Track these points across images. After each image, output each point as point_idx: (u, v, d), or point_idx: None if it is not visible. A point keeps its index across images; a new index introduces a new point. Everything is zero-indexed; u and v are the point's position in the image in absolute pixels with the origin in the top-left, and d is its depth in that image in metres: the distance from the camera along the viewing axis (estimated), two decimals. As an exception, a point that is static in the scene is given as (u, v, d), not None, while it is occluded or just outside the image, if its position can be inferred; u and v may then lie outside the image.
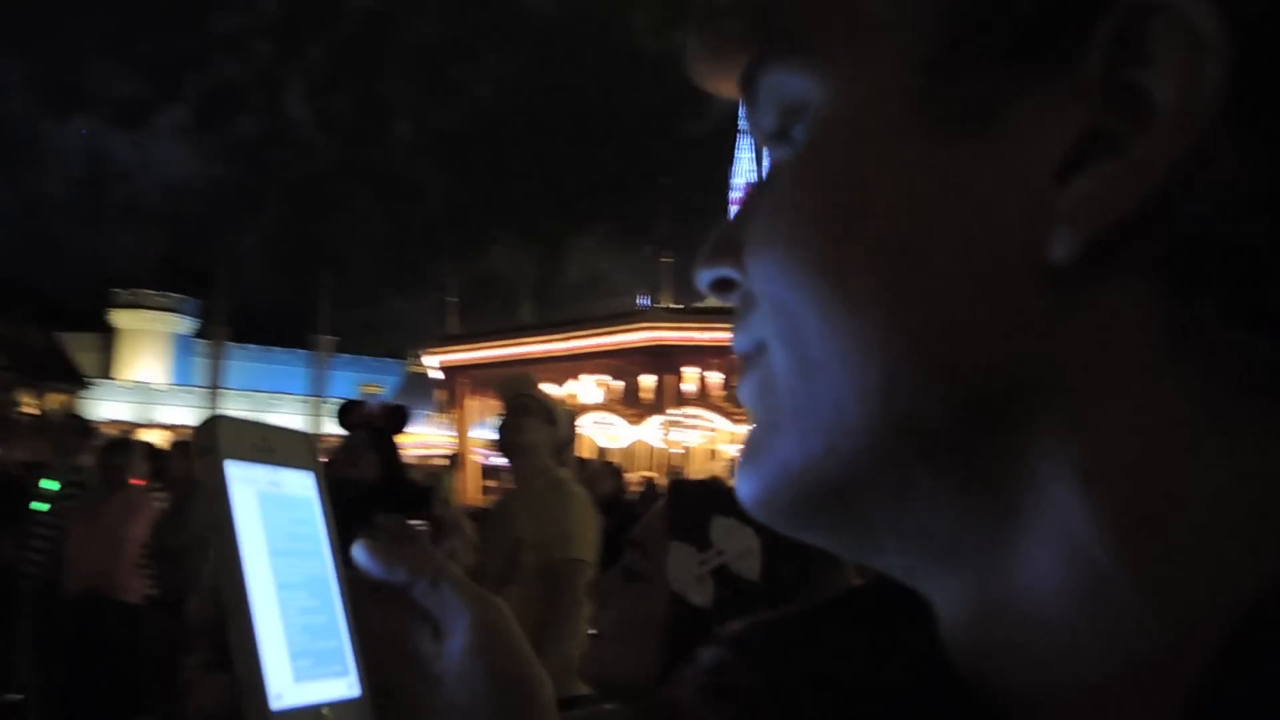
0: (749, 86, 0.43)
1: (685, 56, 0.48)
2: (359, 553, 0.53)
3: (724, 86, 0.47)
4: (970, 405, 0.35)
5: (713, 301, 0.53)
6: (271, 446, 0.51)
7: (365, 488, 4.07)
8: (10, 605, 5.18)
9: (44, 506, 5.38)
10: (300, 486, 0.52)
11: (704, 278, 0.45)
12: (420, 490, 4.33)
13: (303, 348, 51.57)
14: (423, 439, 31.83)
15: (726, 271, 0.43)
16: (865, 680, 0.40)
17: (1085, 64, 0.33)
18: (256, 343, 60.91)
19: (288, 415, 49.33)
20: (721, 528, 1.12)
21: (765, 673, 0.43)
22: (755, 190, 0.43)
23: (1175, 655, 0.30)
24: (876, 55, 0.37)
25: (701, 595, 1.10)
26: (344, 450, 4.18)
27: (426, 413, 33.24)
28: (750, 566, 1.11)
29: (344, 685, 0.49)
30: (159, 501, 5.69)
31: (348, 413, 4.24)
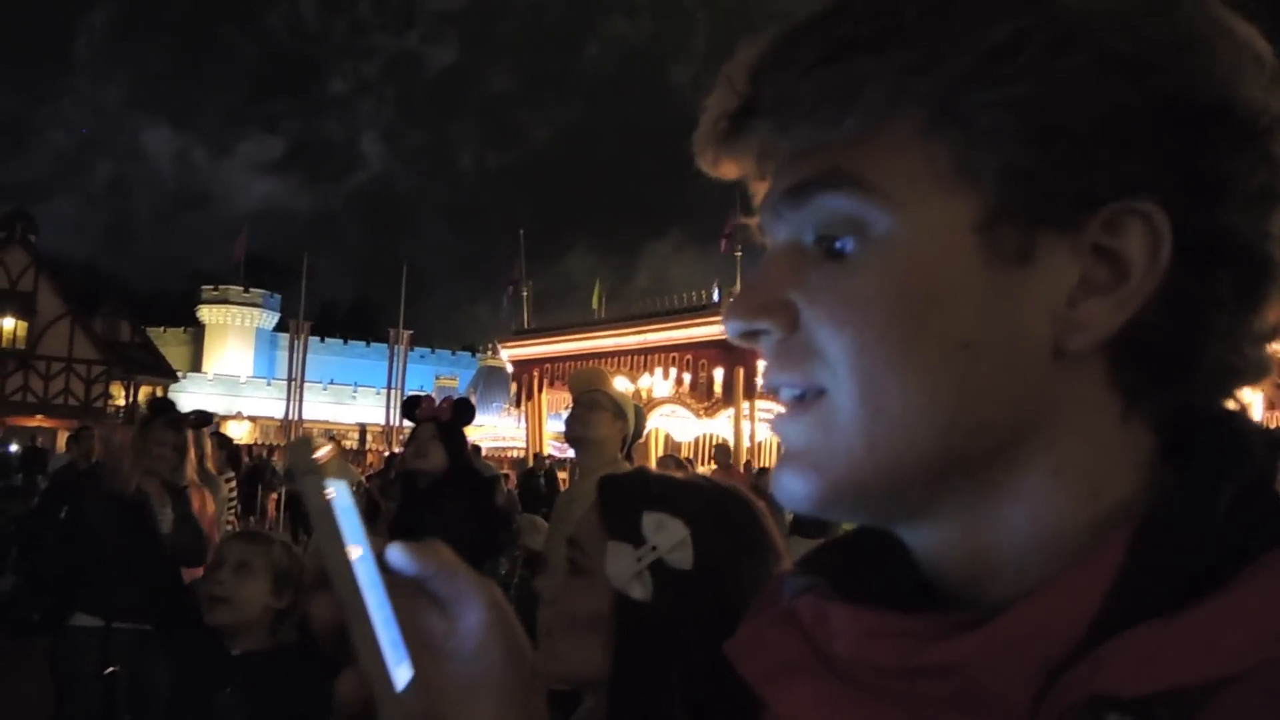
0: (798, 197, 0.56)
1: (703, 149, 0.61)
2: (395, 554, 0.59)
3: (727, 172, 0.62)
4: (996, 438, 0.53)
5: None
6: (326, 461, 0.57)
7: (433, 478, 4.18)
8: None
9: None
10: (345, 495, 0.57)
11: (740, 328, 0.59)
12: (485, 481, 4.42)
13: (381, 342, 52.41)
14: (495, 432, 32.13)
15: (764, 325, 0.57)
16: (883, 583, 0.59)
17: (1085, 234, 0.52)
18: (337, 337, 61.96)
19: (366, 407, 50.11)
20: (652, 522, 1.17)
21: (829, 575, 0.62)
22: (785, 267, 0.57)
23: (1099, 557, 0.50)
24: (943, 206, 0.53)
25: (641, 590, 1.14)
26: (412, 443, 4.30)
27: (501, 406, 33.55)
28: (683, 557, 1.16)
29: (407, 668, 0.54)
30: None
31: (414, 407, 4.36)
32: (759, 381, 18.28)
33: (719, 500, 1.23)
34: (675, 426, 19.85)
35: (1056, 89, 0.51)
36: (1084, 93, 0.51)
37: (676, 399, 19.50)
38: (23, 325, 42.54)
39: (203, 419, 5.19)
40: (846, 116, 0.53)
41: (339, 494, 0.56)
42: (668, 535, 1.15)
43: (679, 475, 1.32)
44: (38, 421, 39.43)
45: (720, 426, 19.11)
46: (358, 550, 0.55)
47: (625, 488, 1.24)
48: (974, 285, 0.52)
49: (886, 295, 0.53)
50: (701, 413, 18.93)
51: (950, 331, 0.52)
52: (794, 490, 0.57)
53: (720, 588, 1.14)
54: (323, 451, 0.57)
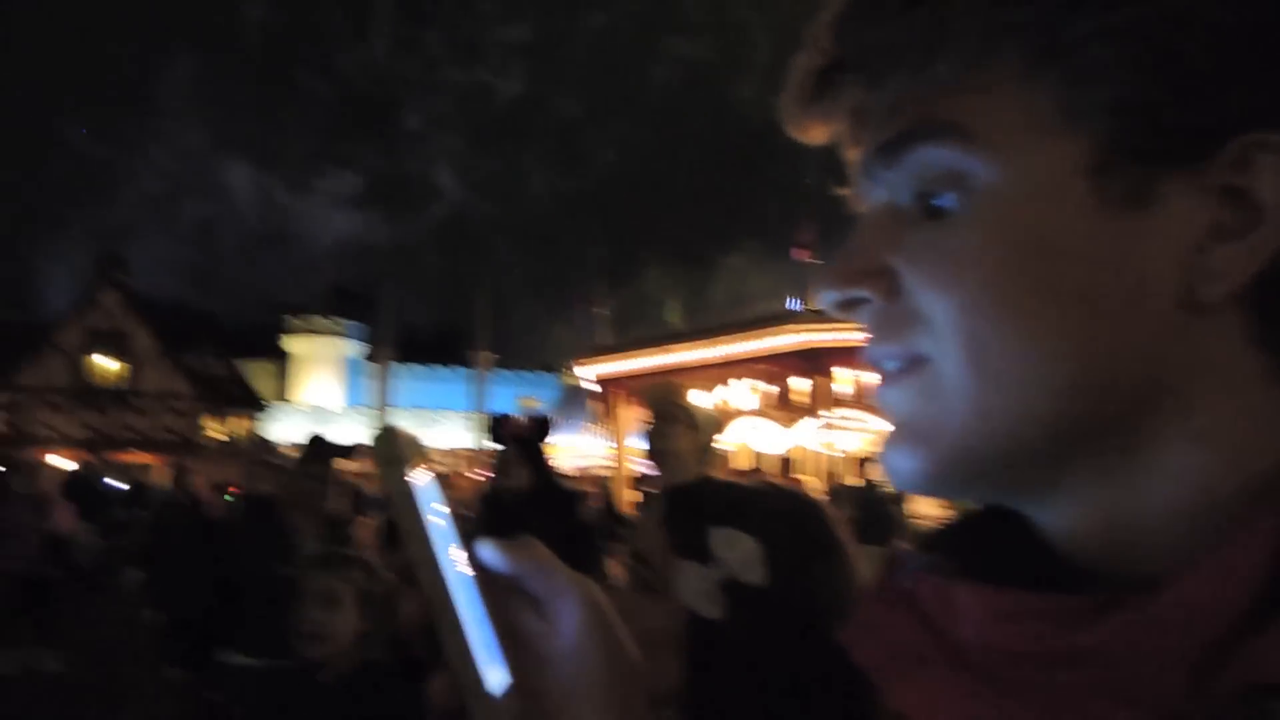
0: (892, 154, 0.52)
1: (793, 113, 0.58)
2: (487, 551, 0.57)
3: (816, 136, 0.59)
4: (1126, 401, 0.48)
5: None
6: (413, 454, 0.54)
7: (519, 496, 4.25)
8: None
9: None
10: (432, 487, 0.54)
11: (836, 298, 0.55)
12: (569, 495, 4.49)
13: (464, 365, 53.01)
14: (579, 450, 32.22)
15: (863, 293, 0.54)
16: (1013, 562, 0.54)
17: (1210, 172, 0.46)
18: (420, 362, 62.86)
19: (451, 430, 50.73)
20: (721, 539, 1.14)
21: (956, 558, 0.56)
22: (881, 231, 0.53)
23: (1254, 531, 0.44)
24: (1050, 150, 0.48)
25: (713, 608, 1.12)
26: (498, 463, 4.38)
27: (583, 424, 33.63)
28: (755, 573, 1.13)
29: (500, 670, 0.52)
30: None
31: (497, 427, 4.43)
32: (835, 388, 18.12)
33: (789, 509, 1.20)
34: (758, 439, 19.76)
35: (1167, 11, 0.46)
36: (1199, 13, 0.46)
37: (760, 411, 19.43)
38: (121, 365, 44.01)
39: (351, 450, 5.23)
40: (937, 61, 0.50)
41: (425, 486, 0.53)
42: (738, 551, 1.13)
43: (746, 483, 1.27)
44: (137, 457, 40.64)
45: (802, 436, 18.96)
46: (445, 545, 0.52)
47: (690, 501, 1.20)
48: (1089, 234, 0.48)
49: (993, 250, 0.49)
50: (784, 423, 18.83)
51: (1065, 285, 0.48)
52: (903, 468, 0.53)
53: (796, 600, 1.11)
54: (403, 444, 0.53)
